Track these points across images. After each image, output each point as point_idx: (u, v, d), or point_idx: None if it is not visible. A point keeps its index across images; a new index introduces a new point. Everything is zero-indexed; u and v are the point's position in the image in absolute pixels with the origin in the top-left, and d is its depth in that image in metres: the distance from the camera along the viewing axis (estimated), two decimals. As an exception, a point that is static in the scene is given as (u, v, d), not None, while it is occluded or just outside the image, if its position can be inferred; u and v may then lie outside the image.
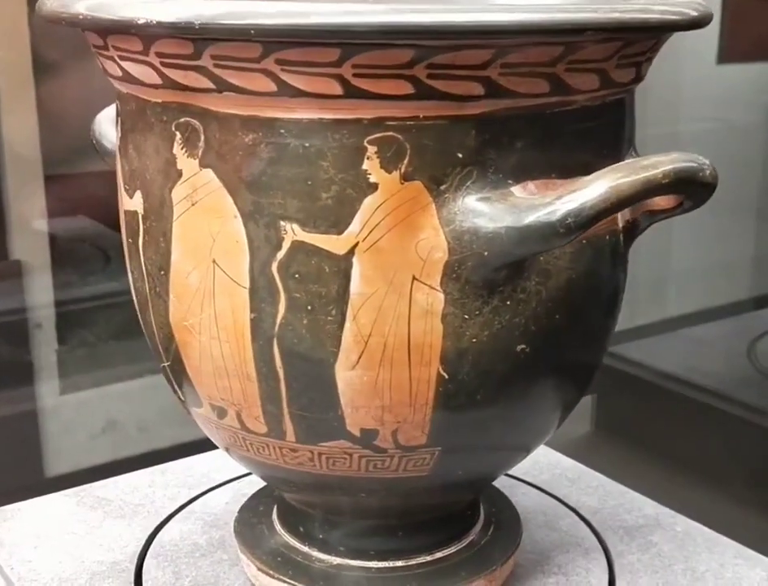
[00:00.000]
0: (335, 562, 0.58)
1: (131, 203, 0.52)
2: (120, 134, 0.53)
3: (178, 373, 0.53)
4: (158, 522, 0.68)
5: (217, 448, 0.59)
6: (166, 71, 0.46)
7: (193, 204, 0.48)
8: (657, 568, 0.62)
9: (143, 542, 0.66)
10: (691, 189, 0.47)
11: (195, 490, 0.72)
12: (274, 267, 0.47)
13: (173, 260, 0.50)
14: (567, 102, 0.47)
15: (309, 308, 0.47)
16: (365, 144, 0.45)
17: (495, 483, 0.62)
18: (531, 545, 0.64)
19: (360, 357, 0.48)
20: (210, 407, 0.53)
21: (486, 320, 0.47)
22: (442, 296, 0.47)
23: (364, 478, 0.52)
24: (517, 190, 0.46)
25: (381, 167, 0.45)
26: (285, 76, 0.44)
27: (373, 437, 0.50)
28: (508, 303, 0.48)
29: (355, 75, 0.43)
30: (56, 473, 1.21)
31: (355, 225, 0.46)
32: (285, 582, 0.58)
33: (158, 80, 0.47)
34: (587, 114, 0.48)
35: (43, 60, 1.17)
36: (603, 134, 0.50)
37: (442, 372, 0.48)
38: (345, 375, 0.48)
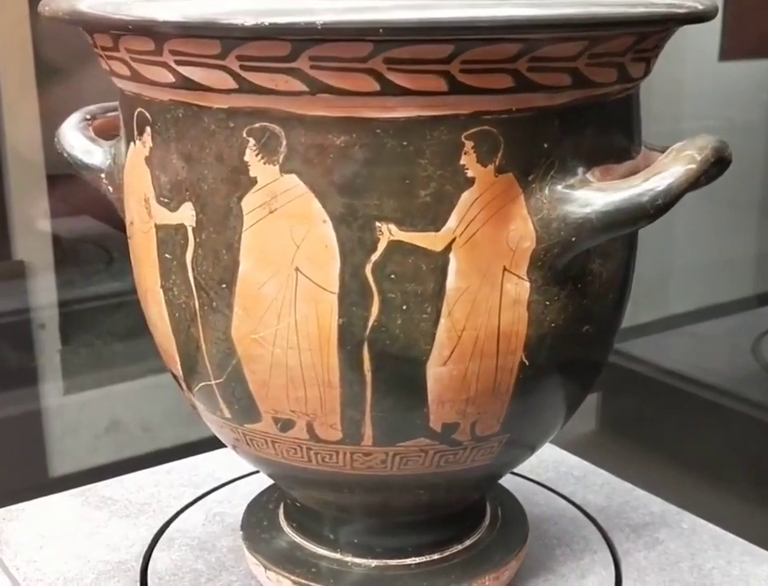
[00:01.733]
0: (343, 560, 0.58)
1: (173, 216, 0.49)
2: (150, 144, 0.50)
3: (232, 390, 0.51)
4: (163, 522, 0.68)
5: (221, 447, 0.61)
6: (246, 75, 0.44)
7: (271, 212, 0.46)
8: (664, 566, 0.63)
9: (149, 541, 0.66)
10: (720, 166, 0.50)
11: (201, 489, 0.72)
12: (368, 269, 0.46)
13: (242, 271, 0.48)
14: (622, 90, 0.49)
15: (404, 307, 0.47)
16: (463, 139, 0.45)
17: (501, 482, 0.63)
18: (538, 543, 0.64)
19: (452, 352, 0.48)
20: (272, 421, 0.51)
21: (563, 304, 0.49)
22: (528, 285, 0.48)
23: (429, 473, 0.53)
24: (589, 176, 0.48)
25: (478, 161, 0.45)
26: (391, 76, 0.43)
27: (453, 431, 0.50)
28: (579, 286, 0.50)
29: (462, 70, 0.43)
30: (60, 473, 1.21)
31: (452, 221, 0.46)
32: (292, 580, 0.57)
33: (232, 85, 0.45)
34: (625, 103, 0.51)
35: (45, 61, 1.13)
36: (634, 122, 0.52)
37: (524, 359, 0.49)
38: (436, 372, 0.48)
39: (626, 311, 0.56)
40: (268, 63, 0.44)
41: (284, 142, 0.45)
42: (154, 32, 0.45)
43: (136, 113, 0.50)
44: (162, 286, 0.51)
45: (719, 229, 1.56)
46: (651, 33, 0.48)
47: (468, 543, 0.60)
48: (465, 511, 0.60)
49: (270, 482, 0.63)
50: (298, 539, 0.60)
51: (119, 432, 1.25)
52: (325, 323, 0.47)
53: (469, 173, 0.45)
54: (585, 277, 0.50)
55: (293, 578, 0.57)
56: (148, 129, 0.50)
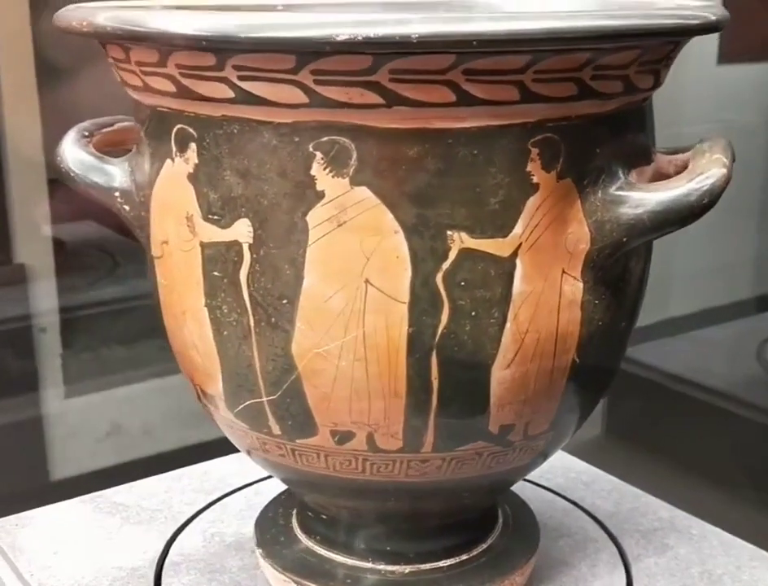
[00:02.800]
0: (357, 566, 0.58)
1: (224, 233, 0.49)
2: (196, 161, 0.49)
3: (287, 406, 0.50)
4: (176, 528, 0.68)
5: (225, 451, 0.65)
6: (319, 89, 0.44)
7: (339, 225, 0.46)
8: (674, 571, 0.63)
9: (162, 548, 0.65)
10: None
11: (212, 495, 0.72)
12: (439, 277, 0.47)
13: (306, 285, 0.47)
14: (649, 95, 0.52)
15: (473, 313, 0.48)
16: (529, 147, 0.46)
17: (512, 488, 0.64)
18: (548, 549, 0.64)
19: (515, 355, 0.49)
20: (329, 434, 0.51)
21: (609, 302, 0.51)
22: (581, 285, 0.49)
23: (478, 476, 0.54)
24: (631, 178, 0.50)
25: (542, 167, 0.47)
26: (467, 86, 0.44)
27: (509, 432, 0.52)
28: (620, 284, 0.52)
29: (534, 80, 0.45)
30: (61, 477, 1.19)
31: (519, 227, 0.47)
32: (290, 579, 0.58)
33: (301, 100, 0.45)
34: (649, 107, 0.53)
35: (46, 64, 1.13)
36: (653, 126, 0.55)
37: (576, 358, 0.51)
38: (499, 375, 0.49)
39: None
40: (345, 76, 0.44)
41: (354, 155, 0.45)
42: (220, 48, 0.44)
43: (175, 129, 0.49)
44: (207, 305, 0.50)
45: (718, 232, 1.57)
46: (683, 41, 0.50)
47: (480, 549, 0.60)
48: (476, 519, 0.61)
49: (283, 487, 0.65)
50: (311, 544, 0.60)
51: (120, 436, 1.25)
52: (394, 333, 0.47)
53: (534, 180, 0.47)
54: (625, 275, 0.52)
55: (307, 583, 0.58)
56: (193, 145, 0.49)
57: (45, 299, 1.23)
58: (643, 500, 0.71)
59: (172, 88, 0.48)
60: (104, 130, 0.58)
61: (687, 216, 0.48)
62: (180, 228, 0.50)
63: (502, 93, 0.45)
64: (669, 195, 0.48)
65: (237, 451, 0.72)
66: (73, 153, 0.55)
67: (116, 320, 1.27)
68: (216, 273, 0.49)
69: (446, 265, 0.47)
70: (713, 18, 0.48)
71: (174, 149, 0.50)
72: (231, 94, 0.46)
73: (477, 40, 0.42)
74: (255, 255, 0.48)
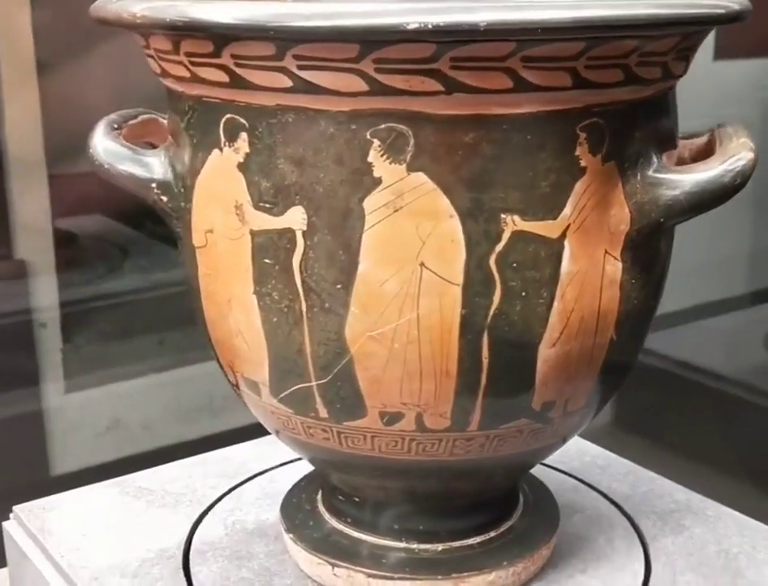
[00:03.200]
0: (389, 545, 0.60)
1: (277, 221, 0.49)
2: (246, 150, 0.49)
3: (337, 389, 0.51)
4: (201, 510, 0.69)
5: (227, 437, 0.66)
6: (380, 77, 0.45)
7: (396, 210, 0.47)
8: (692, 550, 0.64)
9: (188, 529, 0.67)
10: None
11: (235, 479, 0.74)
12: (492, 260, 0.48)
13: (362, 270, 0.48)
14: (676, 82, 0.54)
15: (523, 294, 0.49)
16: (578, 131, 0.48)
17: (530, 471, 0.66)
18: (567, 530, 0.65)
19: (561, 333, 0.51)
20: (378, 416, 0.52)
21: (644, 281, 0.53)
22: (621, 265, 0.51)
23: (519, 452, 0.55)
24: (665, 161, 0.52)
25: (589, 151, 0.49)
26: (524, 73, 0.45)
27: (550, 409, 0.53)
28: (652, 263, 0.54)
29: (586, 67, 0.46)
30: (62, 471, 1.21)
31: (567, 209, 0.49)
32: (333, 564, 0.59)
33: (362, 88, 0.46)
34: (674, 94, 0.55)
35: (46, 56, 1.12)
36: (677, 112, 0.56)
37: (614, 336, 0.53)
38: (545, 353, 0.51)
39: None
40: (407, 64, 0.45)
41: (411, 141, 0.47)
42: (284, 38, 0.45)
43: (224, 119, 0.50)
44: (256, 292, 0.51)
45: (714, 228, 1.57)
46: (710, 30, 0.52)
47: (502, 529, 0.61)
48: (499, 499, 0.62)
49: (302, 473, 0.67)
50: (336, 524, 0.62)
51: (120, 431, 1.26)
52: (447, 315, 0.49)
53: (582, 163, 0.48)
54: (657, 256, 0.54)
55: (333, 562, 0.59)
56: (243, 134, 0.49)
57: (45, 294, 1.24)
58: (658, 483, 0.72)
59: (224, 78, 0.48)
60: (130, 122, 0.58)
61: (721, 196, 0.50)
62: (228, 217, 0.51)
63: (556, 79, 0.46)
64: (704, 177, 0.50)
65: (250, 439, 0.75)
66: (106, 145, 0.55)
67: (117, 315, 1.27)
68: (266, 261, 0.50)
69: (499, 248, 0.48)
70: (739, 7, 0.49)
71: (223, 139, 0.50)
72: (289, 84, 0.47)
73: (541, 27, 0.43)
74: (308, 242, 0.49)
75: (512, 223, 0.48)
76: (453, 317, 0.49)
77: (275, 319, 0.51)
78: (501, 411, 0.52)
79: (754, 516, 0.68)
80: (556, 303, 0.50)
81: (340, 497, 0.61)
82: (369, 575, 0.58)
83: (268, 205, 0.49)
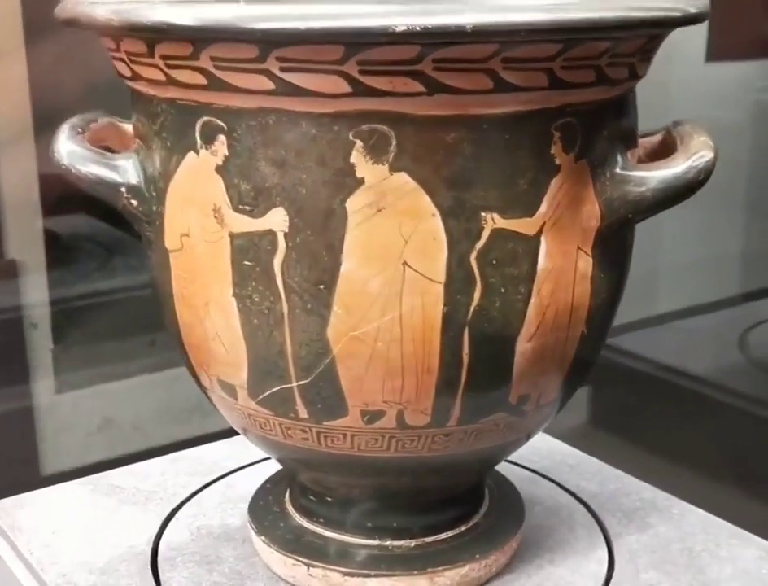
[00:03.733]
0: (355, 542, 0.60)
1: (257, 222, 0.50)
2: (225, 153, 0.50)
3: (318, 390, 0.52)
4: (171, 508, 0.70)
5: (219, 437, 0.67)
6: (364, 79, 0.46)
7: (379, 210, 0.48)
8: (655, 548, 0.64)
9: (158, 527, 0.67)
10: None
11: (207, 477, 0.74)
12: (473, 257, 0.49)
13: (344, 270, 0.49)
14: (637, 82, 0.55)
15: (502, 290, 0.50)
16: (552, 130, 0.49)
17: (499, 469, 0.67)
18: (534, 527, 0.66)
19: (537, 328, 0.52)
20: (359, 415, 0.52)
21: (611, 276, 0.55)
22: (591, 260, 0.53)
23: (493, 446, 0.56)
24: (629, 159, 0.54)
25: (563, 150, 0.50)
26: (505, 74, 0.47)
27: (525, 402, 0.55)
28: (619, 258, 0.55)
29: (562, 67, 0.48)
30: (52, 471, 1.21)
31: (543, 206, 0.50)
32: (300, 562, 0.60)
33: (345, 89, 0.46)
34: (635, 95, 0.57)
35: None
36: (636, 111, 0.58)
37: (584, 330, 0.54)
38: (523, 347, 0.52)
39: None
40: (390, 66, 0.45)
41: (393, 142, 0.47)
42: (266, 40, 0.45)
43: (200, 122, 0.50)
44: (235, 295, 0.51)
45: (706, 229, 1.54)
46: (670, 30, 0.54)
47: (467, 526, 0.62)
48: (464, 496, 0.63)
49: (269, 473, 0.67)
50: (304, 522, 0.62)
51: (111, 430, 1.26)
52: (430, 313, 0.50)
53: (557, 161, 0.50)
54: (622, 250, 0.56)
55: (301, 560, 0.60)
56: (221, 137, 0.49)
57: (36, 294, 1.24)
58: (626, 482, 0.73)
59: (202, 80, 0.48)
60: (92, 126, 0.58)
61: (685, 192, 0.52)
62: (205, 219, 0.51)
63: (534, 79, 0.47)
64: (669, 173, 0.52)
65: (224, 434, 0.76)
66: (70, 149, 0.55)
67: (108, 315, 1.28)
68: (246, 263, 0.50)
69: (479, 245, 0.49)
70: (696, 11, 0.51)
71: (199, 141, 0.50)
72: (271, 86, 0.47)
73: (524, 29, 0.44)
74: (290, 244, 0.49)
75: (492, 221, 0.49)
76: (435, 315, 0.50)
77: (255, 321, 0.51)
78: (480, 406, 0.53)
79: (724, 512, 0.69)
80: (532, 299, 0.51)
81: (311, 497, 0.62)
82: (345, 573, 0.59)
83: (248, 207, 0.50)
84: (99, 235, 1.29)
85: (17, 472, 1.17)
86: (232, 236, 0.50)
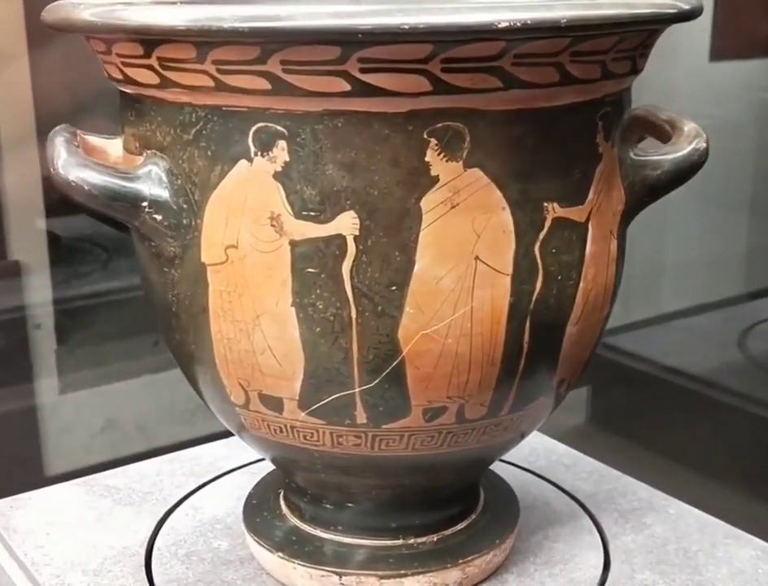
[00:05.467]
0: (344, 542, 0.60)
1: (324, 228, 0.49)
2: (286, 159, 0.48)
3: (383, 392, 0.51)
4: (166, 509, 0.70)
5: (222, 438, 0.70)
6: (446, 76, 0.46)
7: (453, 207, 0.49)
8: (651, 548, 0.64)
9: (152, 528, 0.67)
10: None
11: (202, 478, 0.74)
12: (536, 247, 0.51)
13: (418, 269, 0.49)
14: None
15: (559, 277, 0.52)
16: (597, 120, 0.52)
17: (495, 470, 0.67)
18: (529, 527, 0.66)
19: (582, 311, 0.54)
20: (421, 413, 0.53)
21: (623, 258, 0.58)
22: (616, 243, 0.56)
23: (527, 431, 0.58)
24: (640, 145, 0.57)
25: (604, 138, 0.52)
26: (570, 67, 0.48)
27: (562, 385, 0.57)
28: (626, 239, 0.58)
29: (613, 60, 0.50)
30: (56, 472, 1.22)
31: (591, 194, 0.52)
32: (294, 563, 0.60)
33: (426, 88, 0.46)
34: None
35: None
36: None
37: (608, 311, 0.57)
38: (569, 332, 0.54)
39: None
40: (474, 63, 0.46)
41: (467, 139, 0.48)
42: (351, 41, 0.45)
43: (254, 129, 0.48)
44: (295, 304, 0.50)
45: (709, 228, 1.53)
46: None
47: (462, 525, 0.62)
48: (459, 496, 0.63)
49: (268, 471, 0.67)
50: (298, 523, 0.62)
51: (114, 431, 1.27)
52: (498, 305, 0.51)
53: (600, 150, 0.52)
54: (625, 232, 0.59)
55: (295, 561, 0.60)
56: (282, 143, 0.48)
57: (39, 295, 1.24)
58: (622, 482, 0.73)
59: (265, 85, 0.47)
60: (77, 138, 0.55)
61: (689, 172, 0.56)
62: (259, 229, 0.49)
63: (591, 72, 0.49)
64: (679, 156, 0.55)
65: (227, 435, 0.76)
66: (77, 166, 0.51)
67: (111, 315, 1.29)
68: (310, 270, 0.49)
69: (542, 235, 0.50)
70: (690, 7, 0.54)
71: (253, 149, 0.48)
72: (346, 88, 0.46)
73: (606, 23, 0.46)
74: (361, 247, 0.48)
75: (553, 210, 0.50)
76: (503, 307, 0.51)
77: (317, 329, 0.50)
78: (529, 392, 0.54)
79: (722, 511, 0.69)
80: (581, 283, 0.53)
81: (327, 506, 0.61)
82: (381, 577, 0.58)
83: (313, 213, 0.48)
84: (101, 236, 1.31)
85: (21, 472, 1.18)
86: (293, 244, 0.49)
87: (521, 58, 0.46)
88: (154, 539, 0.66)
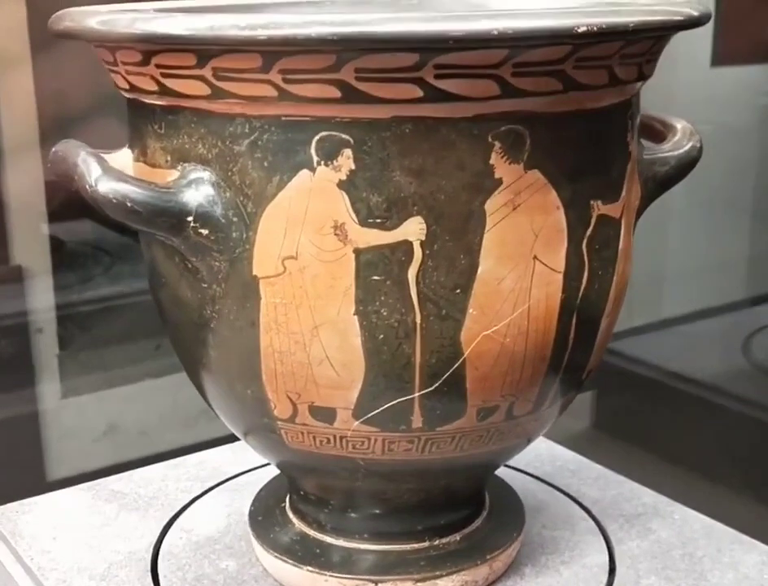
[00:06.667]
0: (331, 543, 0.61)
1: (390, 235, 0.49)
2: (351, 167, 0.48)
3: (441, 396, 0.52)
4: (172, 514, 0.70)
5: (224, 442, 0.71)
6: (515, 80, 0.47)
7: (514, 208, 0.50)
8: (656, 554, 0.64)
9: (158, 532, 0.67)
10: None
11: (208, 483, 0.74)
12: (584, 244, 0.52)
13: (481, 271, 0.50)
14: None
15: (600, 272, 0.54)
16: (627, 119, 0.54)
17: (500, 475, 0.68)
18: (534, 532, 0.66)
19: (613, 304, 0.56)
20: (474, 413, 0.53)
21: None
22: (630, 237, 0.58)
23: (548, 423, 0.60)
24: (645, 143, 0.60)
25: (632, 137, 0.55)
26: (618, 69, 0.50)
27: (588, 376, 0.59)
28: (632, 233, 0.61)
29: (647, 61, 0.52)
30: (58, 477, 1.22)
31: (624, 191, 0.54)
32: (300, 568, 0.60)
33: (494, 92, 0.47)
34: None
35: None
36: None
37: (621, 303, 0.59)
38: (603, 325, 0.56)
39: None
40: (541, 67, 0.47)
41: (528, 141, 0.49)
42: (428, 48, 0.45)
43: (317, 138, 0.48)
44: (358, 312, 0.50)
45: (712, 233, 1.52)
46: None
47: (468, 531, 0.62)
48: (465, 501, 0.63)
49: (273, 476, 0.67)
50: (304, 528, 0.62)
51: (116, 436, 1.27)
52: (551, 303, 0.52)
53: (630, 148, 0.54)
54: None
55: (301, 566, 0.60)
56: (347, 151, 0.48)
57: (41, 300, 1.24)
58: (627, 487, 0.73)
59: (335, 94, 0.47)
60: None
61: (689, 168, 0.59)
62: (322, 238, 0.49)
63: (631, 73, 0.51)
64: (681, 152, 0.59)
65: (230, 442, 0.78)
66: (116, 184, 0.50)
67: (113, 320, 1.29)
68: (375, 278, 0.49)
69: (588, 232, 0.52)
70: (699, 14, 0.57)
71: (316, 158, 0.48)
72: (419, 94, 0.46)
73: (658, 26, 0.48)
74: (427, 251, 0.49)
75: (597, 208, 0.52)
76: (555, 304, 0.52)
77: (381, 336, 0.50)
78: (567, 385, 0.56)
79: (727, 516, 0.69)
80: (615, 276, 0.55)
81: (352, 514, 0.61)
82: (417, 580, 0.59)
83: (379, 220, 0.48)
84: (104, 241, 1.30)
85: (23, 477, 1.18)
86: (357, 252, 0.49)
87: (582, 61, 0.48)
88: (160, 543, 0.66)
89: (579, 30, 0.45)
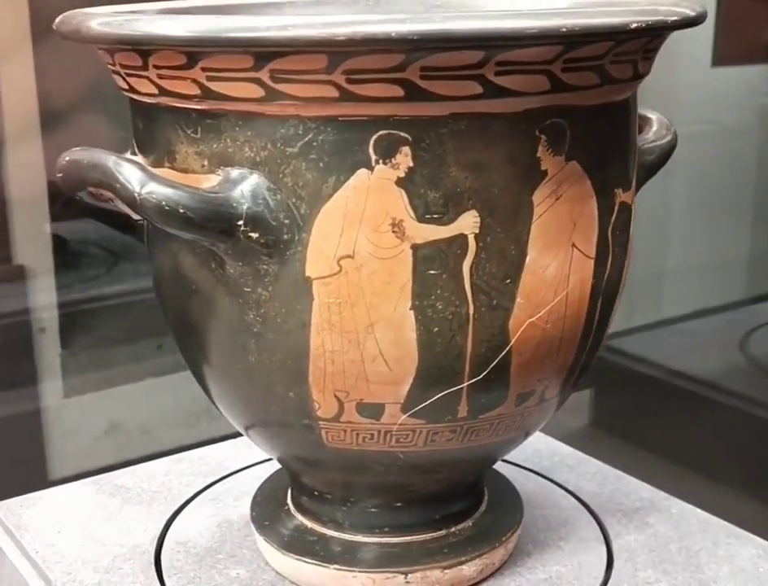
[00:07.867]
0: (352, 539, 0.62)
1: (446, 229, 0.50)
2: (410, 164, 0.49)
3: (488, 384, 0.53)
4: (175, 508, 0.71)
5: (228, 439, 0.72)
6: (564, 76, 0.49)
7: (557, 199, 0.52)
8: (654, 547, 0.65)
9: (162, 526, 0.69)
10: None
11: (210, 477, 0.75)
12: (609, 231, 0.55)
13: (529, 260, 0.52)
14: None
15: (619, 256, 0.57)
16: (635, 110, 0.57)
17: (499, 470, 0.69)
18: (533, 526, 0.67)
19: (623, 287, 0.59)
20: (514, 400, 0.55)
21: None
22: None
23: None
24: (634, 132, 0.63)
25: (636, 127, 0.58)
26: (640, 64, 0.54)
27: (595, 358, 0.62)
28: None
29: (643, 58, 0.56)
30: (60, 475, 1.22)
31: (633, 180, 0.58)
32: (302, 561, 0.61)
33: (545, 87, 0.49)
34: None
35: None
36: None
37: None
38: (616, 308, 0.59)
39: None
40: (588, 62, 0.50)
41: (568, 134, 0.51)
42: (492, 45, 0.47)
43: (375, 137, 0.49)
44: (414, 307, 0.51)
45: (712, 233, 1.51)
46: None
47: (467, 524, 0.63)
48: (464, 493, 0.64)
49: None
50: (306, 521, 0.63)
51: (118, 435, 1.28)
52: (584, 288, 0.54)
53: (636, 138, 0.58)
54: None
55: (303, 559, 0.61)
56: (405, 149, 0.49)
57: (44, 299, 1.24)
58: (625, 482, 0.74)
59: (398, 93, 0.47)
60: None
61: (666, 158, 0.63)
62: (379, 236, 0.50)
63: (647, 67, 0.55)
64: (664, 143, 0.62)
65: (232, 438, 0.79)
66: (167, 190, 0.49)
67: (115, 319, 1.30)
68: (431, 272, 0.50)
69: (612, 219, 0.55)
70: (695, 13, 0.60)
71: (374, 157, 0.49)
72: (478, 90, 0.48)
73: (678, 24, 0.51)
74: (481, 244, 0.50)
75: (619, 196, 0.55)
76: (587, 289, 0.54)
77: (435, 329, 0.51)
78: (586, 367, 0.59)
79: (724, 511, 0.70)
80: (627, 260, 0.58)
81: (372, 508, 0.61)
82: (444, 568, 0.60)
83: (436, 216, 0.50)
84: (106, 240, 1.32)
85: (25, 476, 1.19)
86: (415, 247, 0.50)
87: (618, 56, 0.50)
88: (164, 537, 0.67)
89: (632, 26, 0.47)
